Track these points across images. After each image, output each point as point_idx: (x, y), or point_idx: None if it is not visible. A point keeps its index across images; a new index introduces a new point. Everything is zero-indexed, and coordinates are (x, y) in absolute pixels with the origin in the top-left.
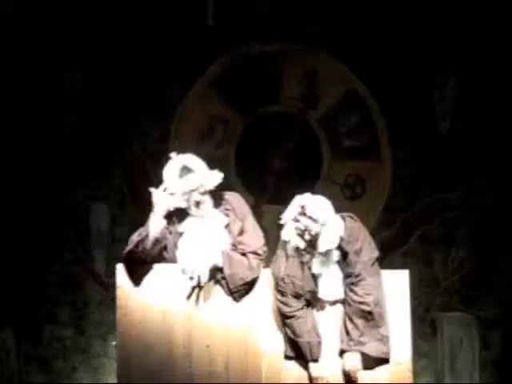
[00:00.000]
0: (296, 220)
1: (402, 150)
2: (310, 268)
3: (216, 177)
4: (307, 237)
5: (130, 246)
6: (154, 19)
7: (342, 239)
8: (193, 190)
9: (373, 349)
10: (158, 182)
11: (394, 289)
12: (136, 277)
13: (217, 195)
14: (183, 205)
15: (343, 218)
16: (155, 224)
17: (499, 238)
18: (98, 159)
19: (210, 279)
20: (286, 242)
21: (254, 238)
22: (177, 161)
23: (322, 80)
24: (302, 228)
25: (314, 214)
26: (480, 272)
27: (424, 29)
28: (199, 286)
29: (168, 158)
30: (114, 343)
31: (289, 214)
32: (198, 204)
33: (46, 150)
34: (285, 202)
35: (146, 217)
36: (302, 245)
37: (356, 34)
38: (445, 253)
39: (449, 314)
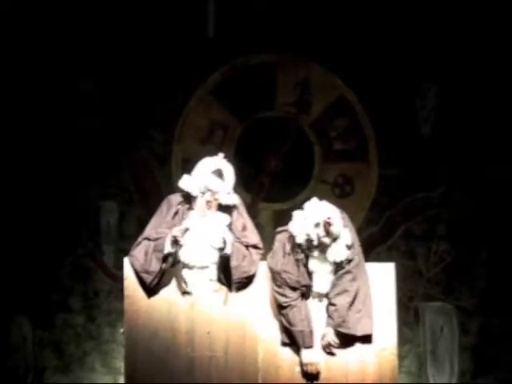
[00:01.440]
0: (316, 226)
1: (387, 152)
2: (305, 265)
3: (233, 198)
4: (315, 243)
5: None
6: (161, 33)
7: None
8: (212, 192)
9: (357, 328)
10: (163, 182)
11: (381, 280)
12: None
13: None
14: (195, 193)
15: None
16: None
17: (477, 234)
18: (109, 161)
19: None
20: (286, 238)
21: (255, 234)
22: (217, 161)
23: (314, 88)
24: (317, 238)
25: (334, 232)
26: (459, 265)
27: (408, 43)
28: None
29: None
30: (122, 330)
31: (311, 221)
32: (208, 202)
33: (62, 154)
34: (280, 200)
35: (151, 214)
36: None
37: (345, 47)
38: (427, 247)
39: (430, 303)
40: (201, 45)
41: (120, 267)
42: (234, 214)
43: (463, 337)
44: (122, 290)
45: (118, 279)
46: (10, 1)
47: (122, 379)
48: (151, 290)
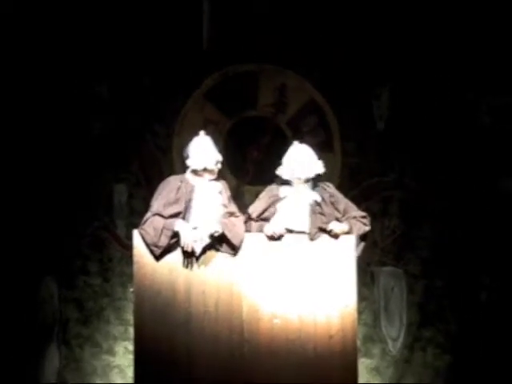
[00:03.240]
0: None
1: (349, 143)
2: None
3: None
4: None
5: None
6: (165, 46)
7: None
8: (217, 161)
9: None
10: (165, 168)
11: (344, 249)
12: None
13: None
14: (201, 166)
15: (325, 185)
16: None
17: (422, 212)
18: (120, 151)
19: (210, 245)
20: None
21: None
22: (202, 139)
23: (289, 92)
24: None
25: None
26: (407, 237)
27: (365, 54)
28: (196, 257)
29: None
30: (131, 289)
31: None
32: (210, 170)
33: (84, 146)
34: (261, 184)
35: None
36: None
37: (315, 58)
38: (381, 222)
39: (384, 268)
40: (197, 56)
41: (130, 238)
42: (223, 184)
43: (410, 295)
44: (131, 256)
45: (128, 248)
46: (28, 9)
47: (131, 329)
48: (158, 259)
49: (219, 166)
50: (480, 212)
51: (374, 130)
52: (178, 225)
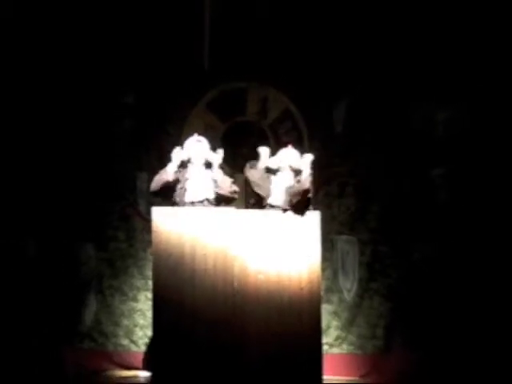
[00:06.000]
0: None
1: (314, 142)
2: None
3: (218, 157)
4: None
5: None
6: (175, 68)
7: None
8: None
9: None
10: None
11: (310, 222)
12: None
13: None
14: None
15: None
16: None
17: (370, 193)
18: (142, 147)
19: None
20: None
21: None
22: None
23: (270, 103)
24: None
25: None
26: (359, 212)
27: (328, 74)
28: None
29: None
30: (150, 252)
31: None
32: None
33: (113, 143)
34: None
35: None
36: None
37: (290, 77)
38: (339, 201)
39: (341, 236)
40: (200, 75)
41: (149, 213)
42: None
43: (361, 257)
44: (150, 227)
45: (148, 221)
46: (59, 22)
47: (150, 282)
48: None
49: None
50: (413, 194)
51: (334, 131)
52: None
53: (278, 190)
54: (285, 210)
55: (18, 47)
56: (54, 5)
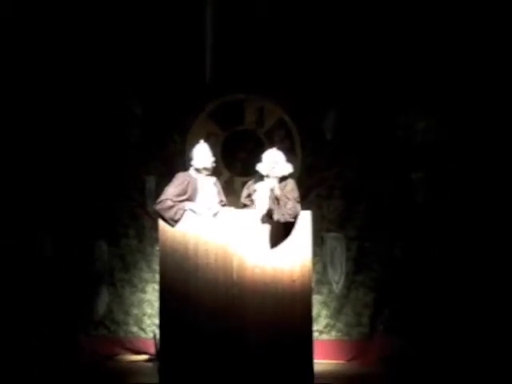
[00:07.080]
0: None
1: (306, 149)
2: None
3: (210, 162)
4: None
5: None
6: (180, 82)
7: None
8: (212, 161)
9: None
10: (180, 166)
11: (303, 221)
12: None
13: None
14: (201, 165)
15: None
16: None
17: (356, 195)
18: (150, 153)
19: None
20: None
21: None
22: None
23: (266, 112)
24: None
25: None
26: (347, 212)
27: (317, 87)
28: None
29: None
30: (157, 248)
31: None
32: (207, 168)
33: (124, 149)
34: (246, 176)
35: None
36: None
37: (284, 90)
38: (327, 202)
39: (330, 233)
40: (202, 88)
41: (156, 213)
42: (218, 181)
43: (348, 252)
44: (157, 225)
45: (155, 220)
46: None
47: (157, 275)
48: (173, 226)
49: (214, 164)
50: (395, 195)
51: (324, 139)
52: (189, 205)
53: (265, 199)
54: (262, 219)
55: (37, 57)
56: (66, 18)
